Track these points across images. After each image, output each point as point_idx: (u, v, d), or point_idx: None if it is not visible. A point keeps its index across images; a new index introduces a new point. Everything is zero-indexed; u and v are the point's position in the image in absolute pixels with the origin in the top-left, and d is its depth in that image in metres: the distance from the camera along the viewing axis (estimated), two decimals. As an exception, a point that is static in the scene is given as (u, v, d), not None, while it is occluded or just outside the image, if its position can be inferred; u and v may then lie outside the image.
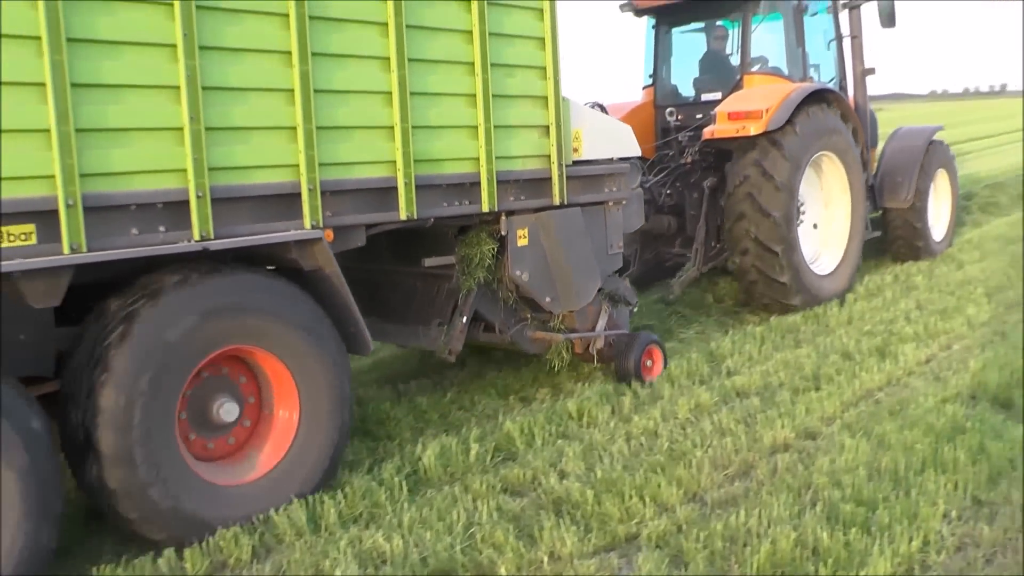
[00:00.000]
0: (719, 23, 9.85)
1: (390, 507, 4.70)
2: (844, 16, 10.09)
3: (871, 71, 10.23)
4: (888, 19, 10.07)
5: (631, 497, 4.64)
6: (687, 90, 10.11)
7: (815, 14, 9.86)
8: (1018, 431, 5.34)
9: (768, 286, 8.42)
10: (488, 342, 6.50)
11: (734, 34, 9.71)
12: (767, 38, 9.50)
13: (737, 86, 9.21)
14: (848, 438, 5.32)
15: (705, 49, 10.13)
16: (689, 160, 9.11)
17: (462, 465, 5.26)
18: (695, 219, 8.97)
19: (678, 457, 5.21)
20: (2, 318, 3.97)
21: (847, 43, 10.19)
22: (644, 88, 10.29)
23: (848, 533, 4.15)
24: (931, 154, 10.76)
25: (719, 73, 9.74)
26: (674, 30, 10.25)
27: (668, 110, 9.70)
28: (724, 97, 9.02)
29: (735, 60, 9.61)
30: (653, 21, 10.18)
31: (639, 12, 10.07)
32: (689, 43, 10.32)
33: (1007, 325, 7.80)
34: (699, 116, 9.35)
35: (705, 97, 9.65)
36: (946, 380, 6.40)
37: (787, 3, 9.43)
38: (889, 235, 10.75)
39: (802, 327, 8.08)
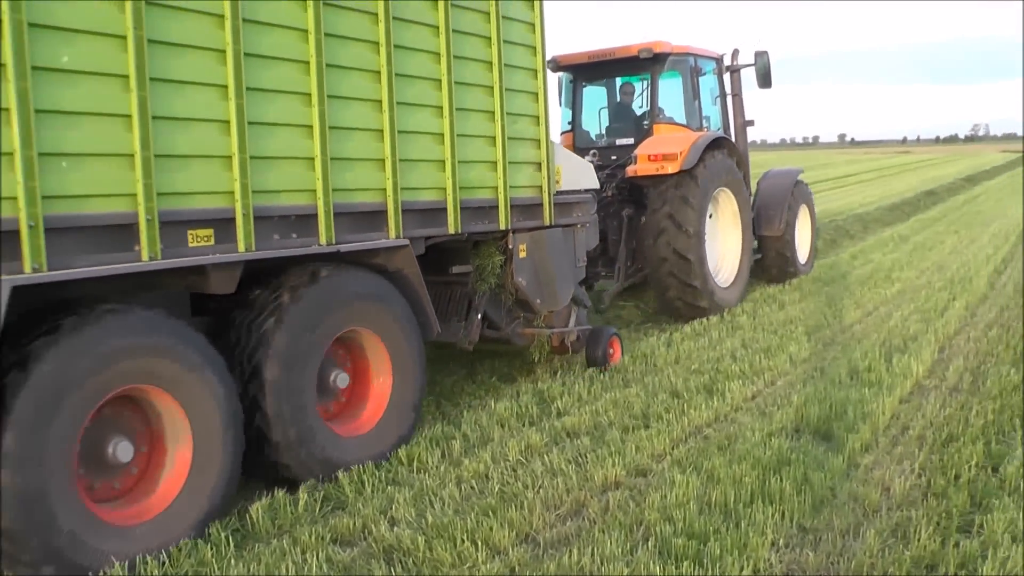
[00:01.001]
0: (628, 80, 11.67)
1: (216, 564, 4.42)
2: (727, 77, 12.25)
3: (751, 123, 12.48)
4: (764, 81, 12.22)
5: (463, 541, 4.52)
6: (602, 135, 11.83)
7: (705, 74, 11.78)
8: (838, 461, 5.53)
9: (682, 290, 10.14)
10: (489, 336, 7.55)
11: (640, 88, 11.59)
12: (668, 94, 11.39)
13: (648, 133, 11.02)
14: (678, 474, 5.37)
15: (616, 101, 11.88)
16: (609, 193, 10.63)
17: (291, 516, 5.02)
18: (616, 243, 10.74)
19: (509, 499, 5.12)
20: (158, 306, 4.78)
21: (730, 100, 12.33)
22: (562, 133, 11.85)
23: (680, 566, 4.16)
24: (796, 192, 12.92)
25: (630, 122, 11.58)
26: (588, 85, 11.89)
27: (591, 152, 11.10)
28: (637, 142, 10.82)
29: (640, 111, 11.54)
30: (570, 76, 11.78)
31: (557, 68, 11.58)
32: (600, 96, 12.04)
33: (825, 361, 8.15)
34: (614, 157, 11.05)
35: (619, 141, 11.38)
36: (771, 415, 6.59)
37: (684, 65, 11.35)
38: (765, 259, 12.62)
39: (630, 367, 8.19)
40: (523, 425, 6.60)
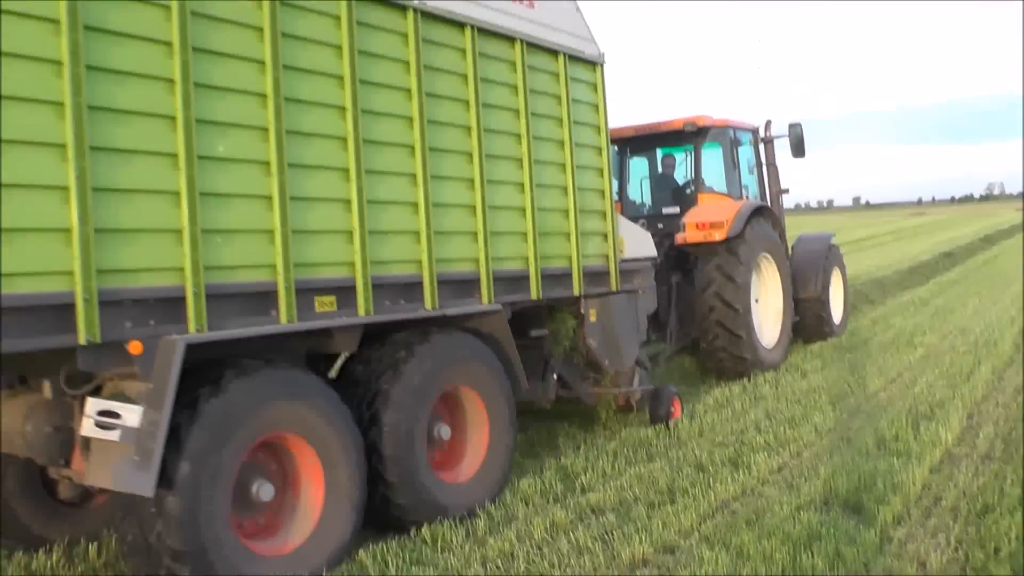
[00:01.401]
0: (670, 152, 12.39)
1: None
2: (762, 147, 13.07)
3: (786, 191, 13.28)
4: (797, 150, 13.03)
5: (488, 626, 4.44)
6: (647, 205, 12.44)
7: (742, 145, 12.51)
8: (870, 535, 5.43)
9: (733, 362, 10.79)
10: (562, 395, 8.16)
11: (682, 160, 12.37)
12: (709, 164, 12.00)
13: (693, 202, 11.61)
14: (707, 550, 5.29)
15: (659, 171, 12.53)
16: (657, 260, 10.47)
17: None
18: (666, 308, 11.09)
19: (536, 580, 5.04)
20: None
21: (766, 169, 13.12)
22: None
23: (713, 650, 4.05)
24: (829, 256, 13.57)
25: (674, 191, 12.23)
26: (634, 157, 12.49)
27: (639, 221, 10.86)
28: (682, 211, 11.43)
29: (683, 180, 12.27)
30: (617, 149, 12.06)
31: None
32: (644, 166, 12.67)
33: (851, 431, 8.06)
34: (660, 225, 11.47)
35: (665, 210, 11.93)
36: (799, 487, 6.50)
37: (724, 136, 12.06)
38: (802, 320, 12.98)
39: (654, 440, 8.11)
40: (547, 502, 6.53)
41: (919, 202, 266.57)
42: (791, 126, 12.98)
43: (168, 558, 4.56)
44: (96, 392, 4.72)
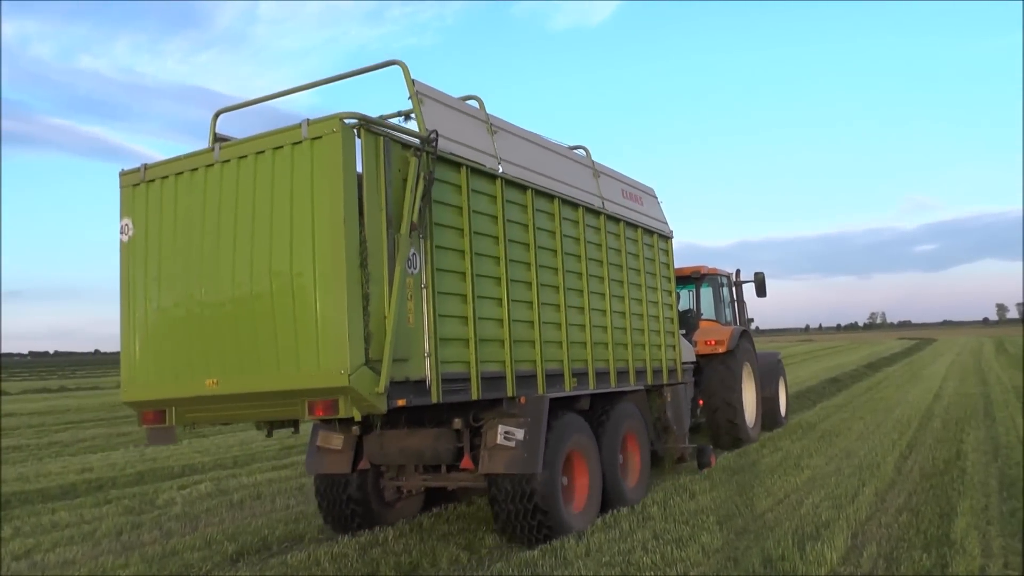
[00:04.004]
0: (680, 289, 16.92)
1: None
2: (734, 288, 18.63)
3: (751, 320, 19.49)
4: (760, 291, 18.50)
5: None
6: None
7: (724, 286, 17.91)
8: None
9: (729, 427, 15.68)
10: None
11: (684, 296, 17.35)
12: (704, 300, 17.40)
13: (695, 326, 16.46)
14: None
15: None
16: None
17: None
18: None
19: None
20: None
21: (737, 304, 18.51)
22: None
23: None
24: (778, 367, 18.83)
25: (682, 317, 16.11)
26: None
27: None
28: (689, 333, 15.99)
29: (684, 310, 17.03)
30: None
31: None
32: None
33: (738, 551, 8.12)
34: None
35: None
36: (685, 608, 6.47)
37: (714, 280, 17.55)
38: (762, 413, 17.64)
39: (540, 561, 8.01)
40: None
41: (806, 328, 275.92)
42: (756, 274, 18.37)
43: (539, 510, 8.70)
44: (480, 428, 8.95)
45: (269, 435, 9.16)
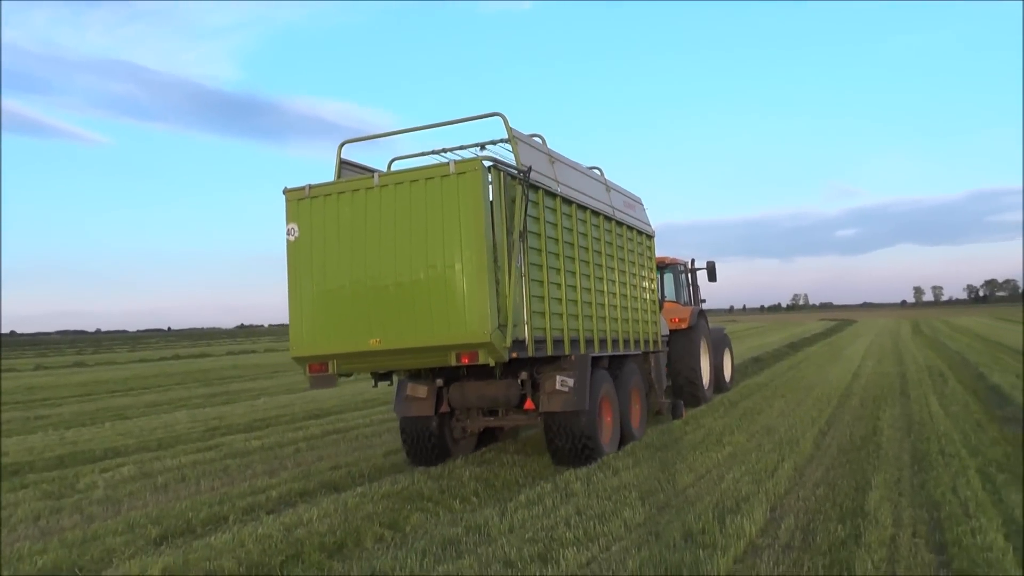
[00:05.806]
0: None
1: None
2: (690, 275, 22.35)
3: (704, 300, 22.20)
4: (711, 276, 22.02)
5: None
6: None
7: (682, 272, 21.57)
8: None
9: (692, 387, 19.00)
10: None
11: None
12: (667, 284, 21.22)
13: (661, 307, 18.70)
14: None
15: None
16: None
17: None
18: None
19: None
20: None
21: (692, 288, 21.88)
22: None
23: None
24: (724, 339, 22.68)
25: None
26: None
27: None
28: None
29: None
30: None
31: None
32: None
33: (660, 525, 8.29)
34: None
35: None
36: (607, 581, 6.60)
37: (675, 268, 21.38)
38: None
39: (463, 538, 8.09)
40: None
41: (731, 309, 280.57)
42: (708, 262, 21.94)
43: (586, 437, 11.75)
44: (537, 380, 11.84)
45: (375, 386, 12.50)
